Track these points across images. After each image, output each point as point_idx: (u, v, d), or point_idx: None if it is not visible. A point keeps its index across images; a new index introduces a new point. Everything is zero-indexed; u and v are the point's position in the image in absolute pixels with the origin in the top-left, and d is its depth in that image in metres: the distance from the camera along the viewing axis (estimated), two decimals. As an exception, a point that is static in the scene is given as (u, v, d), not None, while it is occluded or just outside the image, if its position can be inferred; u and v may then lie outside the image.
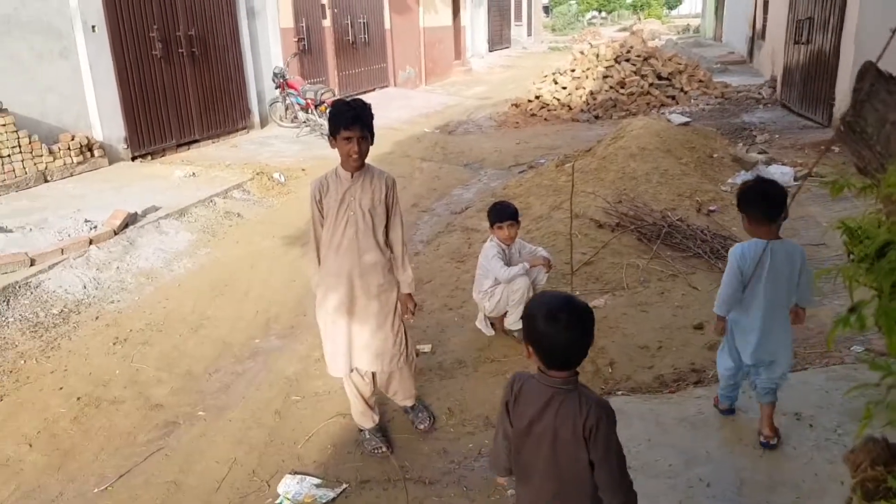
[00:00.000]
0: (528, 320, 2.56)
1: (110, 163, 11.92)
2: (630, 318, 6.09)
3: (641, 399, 4.84)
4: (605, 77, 19.01)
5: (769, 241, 3.82)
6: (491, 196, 10.63)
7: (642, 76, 18.94)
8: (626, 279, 6.94)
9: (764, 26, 22.20)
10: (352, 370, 4.55)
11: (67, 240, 7.98)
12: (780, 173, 10.02)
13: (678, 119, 13.78)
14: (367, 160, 4.31)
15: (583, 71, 19.59)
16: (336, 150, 4.20)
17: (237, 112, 15.71)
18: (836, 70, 12.78)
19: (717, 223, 8.31)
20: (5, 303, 6.77)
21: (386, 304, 4.47)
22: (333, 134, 4.14)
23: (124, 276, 7.79)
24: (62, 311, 6.93)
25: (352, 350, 4.48)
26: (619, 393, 5.03)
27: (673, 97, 18.42)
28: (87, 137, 11.41)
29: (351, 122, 4.04)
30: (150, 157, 12.89)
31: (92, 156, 11.50)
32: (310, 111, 15.20)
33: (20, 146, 10.19)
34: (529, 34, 50.03)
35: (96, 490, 4.58)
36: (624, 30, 53.73)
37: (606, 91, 18.52)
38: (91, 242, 8.04)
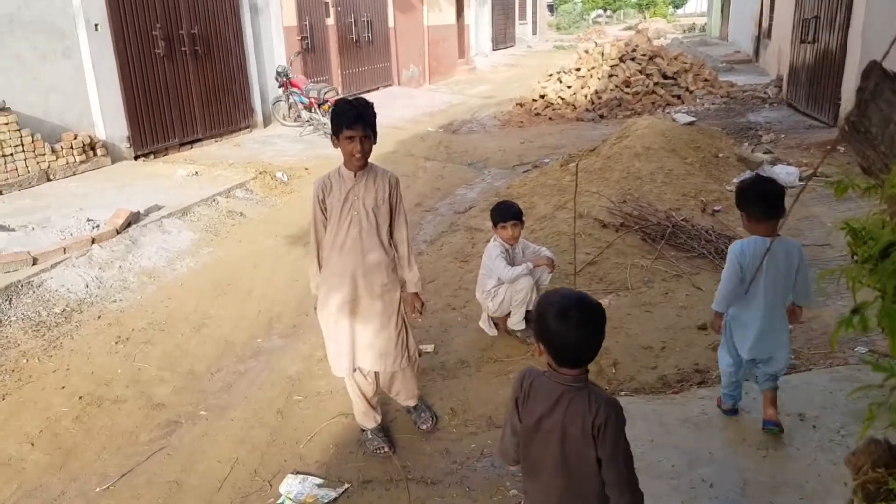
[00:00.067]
0: (540, 318, 2.55)
1: (113, 162, 11.92)
2: (634, 319, 6.07)
3: (645, 399, 4.82)
4: (610, 76, 18.98)
5: (771, 238, 3.85)
6: (495, 196, 10.61)
7: (647, 75, 18.90)
8: (630, 279, 6.92)
9: (770, 25, 22.14)
10: (355, 370, 4.54)
11: (70, 239, 7.98)
12: (785, 173, 9.99)
13: (683, 118, 13.75)
14: (371, 159, 4.29)
15: (588, 70, 19.56)
16: (339, 149, 4.19)
17: (240, 111, 15.71)
18: (842, 69, 12.73)
19: (722, 223, 8.28)
20: (7, 302, 6.77)
21: (390, 303, 4.45)
22: (336, 133, 4.13)
23: (127, 275, 7.78)
24: (64, 310, 6.93)
25: (355, 350, 4.47)
26: (623, 393, 5.02)
27: (678, 96, 18.39)
28: (89, 136, 11.42)
29: (353, 121, 4.02)
30: (152, 156, 12.89)
31: (95, 155, 11.50)
32: (313, 110, 15.19)
33: (23, 145, 10.19)
34: (534, 33, 50.06)
35: (98, 489, 4.58)
36: (629, 28, 53.66)
37: (611, 90, 18.50)
38: (93, 241, 8.04)
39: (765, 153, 11.39)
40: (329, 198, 4.26)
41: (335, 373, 4.60)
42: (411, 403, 4.94)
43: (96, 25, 11.53)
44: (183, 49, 13.68)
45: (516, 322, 5.96)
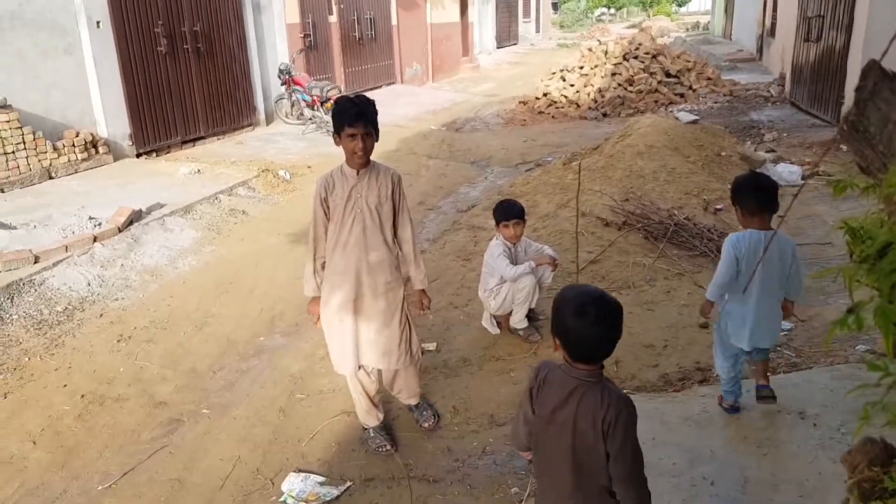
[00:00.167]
0: (557, 313, 2.56)
1: (115, 160, 11.92)
2: (636, 317, 6.06)
3: (646, 398, 4.81)
4: (613, 74, 18.96)
5: (769, 231, 4.00)
6: (497, 194, 10.60)
7: (651, 74, 18.88)
8: (633, 278, 6.91)
9: (773, 24, 22.12)
10: (359, 368, 4.54)
11: (72, 237, 7.97)
12: (787, 172, 9.98)
13: (686, 117, 13.74)
14: (374, 157, 4.29)
15: (591, 68, 19.54)
16: (341, 147, 4.18)
17: (243, 109, 15.69)
18: (845, 68, 12.72)
19: (724, 222, 8.28)
20: (9, 300, 6.77)
21: (393, 301, 4.45)
22: (338, 131, 4.12)
23: (129, 273, 7.79)
24: (66, 308, 6.93)
25: (359, 347, 4.47)
26: (625, 391, 5.01)
27: (681, 95, 18.37)
28: (91, 134, 11.42)
29: (355, 118, 4.02)
30: (154, 154, 12.88)
31: (97, 152, 11.50)
32: (316, 108, 15.18)
33: (24, 143, 10.19)
34: (538, 31, 50.01)
35: (100, 487, 4.58)
36: (633, 27, 53.52)
37: (615, 88, 18.48)
38: (95, 240, 8.04)
39: (767, 152, 11.39)
40: (332, 196, 4.26)
41: (338, 371, 4.60)
42: (413, 402, 4.94)
43: (98, 22, 11.52)
44: (185, 46, 13.67)
45: (518, 320, 5.95)
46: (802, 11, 15.95)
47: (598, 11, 73.98)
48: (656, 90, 18.38)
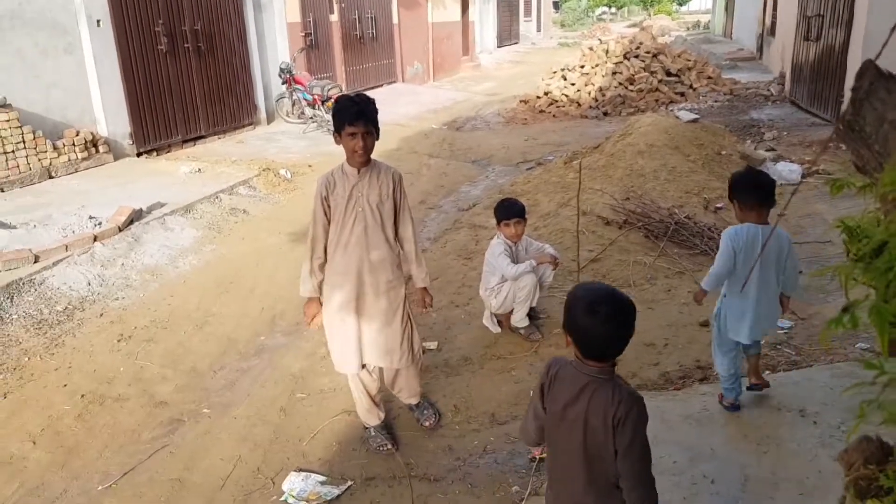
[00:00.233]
0: (569, 310, 2.56)
1: (115, 159, 11.92)
2: (636, 316, 6.04)
3: (647, 396, 4.74)
4: (614, 73, 18.93)
5: (766, 225, 4.10)
6: (498, 193, 10.59)
7: (651, 72, 18.86)
8: (633, 276, 6.90)
9: (774, 23, 22.09)
10: (363, 367, 4.54)
11: (72, 236, 7.96)
12: (787, 170, 9.98)
13: (687, 116, 13.73)
14: (375, 156, 4.28)
15: (592, 67, 19.52)
16: (341, 146, 4.18)
17: (243, 108, 15.69)
18: (845, 67, 12.70)
19: (725, 220, 8.27)
20: (9, 300, 6.76)
21: (394, 300, 4.45)
22: (338, 130, 4.12)
23: (129, 272, 7.78)
24: (66, 308, 6.92)
25: (362, 347, 4.46)
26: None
27: (682, 94, 18.35)
28: (91, 133, 11.41)
29: (355, 117, 4.01)
30: (155, 153, 12.88)
31: (97, 152, 11.49)
32: (316, 107, 15.17)
33: (24, 142, 10.18)
34: (538, 30, 50.00)
35: (100, 487, 4.58)
36: (633, 26, 53.55)
37: (615, 87, 18.45)
38: (95, 239, 8.03)
39: (767, 150, 11.39)
40: (333, 195, 4.25)
41: (340, 370, 4.60)
42: (413, 401, 4.94)
43: (98, 21, 11.52)
44: (186, 45, 13.66)
45: (519, 319, 5.95)
46: (802, 10, 15.93)
47: (598, 10, 74.02)
48: (657, 89, 18.36)
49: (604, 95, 18.27)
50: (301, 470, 4.54)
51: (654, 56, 19.50)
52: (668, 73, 19.02)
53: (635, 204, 8.57)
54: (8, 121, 9.88)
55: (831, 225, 7.55)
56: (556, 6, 66.66)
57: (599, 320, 2.45)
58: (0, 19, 10.17)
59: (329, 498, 4.25)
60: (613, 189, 9.18)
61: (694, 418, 4.36)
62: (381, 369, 4.71)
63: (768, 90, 18.13)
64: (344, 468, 4.56)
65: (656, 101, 17.88)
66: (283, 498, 4.31)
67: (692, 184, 9.43)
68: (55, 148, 10.71)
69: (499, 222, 5.90)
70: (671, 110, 16.15)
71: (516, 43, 42.15)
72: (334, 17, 19.89)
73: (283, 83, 15.88)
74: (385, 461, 4.59)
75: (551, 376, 2.66)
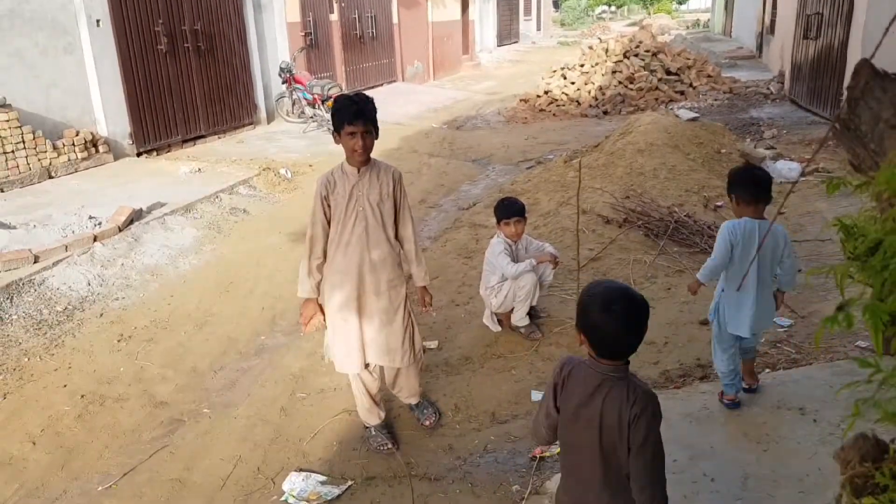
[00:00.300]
0: (583, 308, 2.56)
1: (115, 158, 11.91)
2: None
3: (648, 395, 4.80)
4: (613, 72, 18.94)
5: (763, 220, 4.19)
6: (499, 192, 10.60)
7: (651, 71, 18.86)
8: (633, 275, 6.90)
9: (773, 21, 22.09)
10: (367, 366, 4.54)
11: (72, 236, 7.95)
12: (787, 168, 9.98)
13: (686, 114, 13.74)
14: (375, 156, 4.28)
15: (592, 66, 19.52)
16: (341, 145, 4.17)
17: (243, 107, 15.69)
18: (844, 65, 12.70)
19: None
20: (9, 300, 6.75)
21: (395, 299, 4.45)
22: (337, 129, 4.12)
23: (129, 272, 7.77)
24: (66, 308, 6.92)
25: (364, 346, 4.46)
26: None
27: (681, 92, 18.34)
28: (91, 133, 11.41)
29: (354, 116, 4.01)
30: (155, 153, 12.87)
31: (97, 151, 11.49)
32: (317, 106, 15.16)
33: (24, 142, 10.17)
34: (538, 29, 49.97)
35: (100, 488, 4.58)
36: (633, 24, 53.50)
37: (615, 86, 18.45)
38: (95, 239, 8.02)
39: (767, 149, 11.39)
40: (333, 194, 4.25)
41: (342, 370, 4.59)
42: (413, 401, 4.94)
43: (98, 21, 11.51)
44: (186, 45, 13.65)
45: (519, 318, 5.95)
46: (801, 9, 15.94)
47: (598, 9, 74.02)
48: (657, 88, 18.35)
49: (604, 94, 18.28)
50: (301, 470, 4.54)
51: (654, 55, 19.51)
52: (668, 72, 19.02)
53: (635, 202, 8.57)
54: (8, 121, 9.87)
55: (827, 223, 7.55)
56: (556, 5, 66.64)
57: (613, 318, 2.45)
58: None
59: (329, 498, 4.25)
60: (613, 188, 9.18)
61: (694, 417, 4.36)
62: (381, 368, 4.71)
63: (768, 88, 18.13)
64: (344, 468, 4.55)
65: (656, 99, 17.87)
66: (283, 498, 4.31)
67: (692, 182, 9.42)
68: (55, 148, 10.70)
69: (499, 221, 5.89)
70: (671, 109, 16.16)
71: (516, 42, 42.12)
72: (334, 17, 19.89)
73: (283, 83, 15.87)
74: (385, 461, 4.59)
75: (564, 376, 2.65)
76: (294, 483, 4.39)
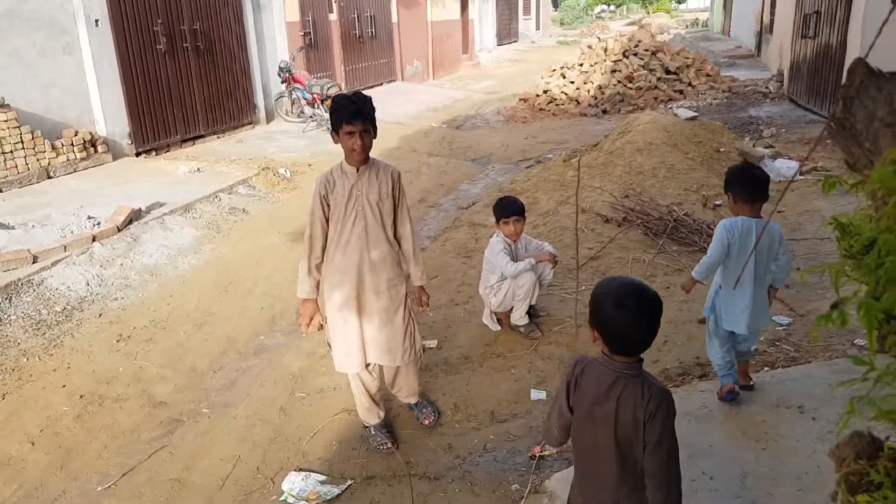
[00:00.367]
0: (596, 304, 2.57)
1: (114, 158, 11.89)
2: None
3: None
4: (613, 71, 18.95)
5: (759, 219, 4.24)
6: (498, 191, 10.60)
7: (650, 70, 18.87)
8: (632, 274, 6.89)
9: (772, 20, 22.11)
10: (367, 365, 4.54)
11: (70, 237, 7.95)
12: (786, 167, 9.98)
13: (685, 113, 13.73)
14: (375, 155, 4.28)
15: (591, 65, 19.54)
16: (339, 145, 4.17)
17: (242, 107, 15.67)
18: (842, 64, 12.70)
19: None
20: (7, 300, 6.75)
21: (396, 298, 4.44)
22: (336, 129, 4.11)
23: (128, 272, 7.76)
24: (65, 308, 6.91)
25: (365, 345, 4.46)
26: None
27: (681, 91, 18.34)
28: (90, 133, 11.40)
29: (352, 116, 4.01)
30: (154, 153, 12.85)
31: (95, 151, 11.48)
32: (316, 106, 15.15)
33: (23, 142, 10.16)
34: (538, 28, 49.96)
35: (99, 488, 4.58)
36: (632, 24, 53.52)
37: (614, 85, 18.47)
38: (94, 239, 8.01)
39: (766, 147, 11.40)
40: (332, 194, 4.24)
41: (341, 369, 4.58)
42: (412, 400, 4.94)
43: (96, 21, 11.49)
44: (185, 45, 13.63)
45: (519, 317, 5.95)
46: (800, 8, 15.95)
47: (597, 8, 73.98)
48: (656, 87, 18.36)
49: (603, 93, 18.29)
50: (301, 469, 4.54)
51: (653, 54, 19.52)
52: (667, 71, 19.03)
53: (634, 201, 8.57)
54: (6, 121, 9.86)
55: (825, 222, 7.56)
56: (556, 4, 66.61)
57: (627, 313, 2.46)
58: (-2, 19, 10.17)
59: (329, 497, 4.25)
60: (612, 187, 9.19)
61: (693, 415, 4.36)
62: (380, 368, 4.70)
63: (766, 87, 18.13)
64: (344, 467, 4.55)
65: (655, 98, 17.88)
66: (282, 497, 4.30)
67: (691, 181, 9.43)
68: (54, 148, 10.69)
69: (498, 220, 5.89)
70: (670, 108, 16.16)
71: (515, 41, 42.11)
72: (333, 16, 19.88)
73: (282, 82, 15.86)
74: (385, 460, 4.59)
75: (577, 374, 2.66)
76: (293, 482, 4.39)
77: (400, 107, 18.94)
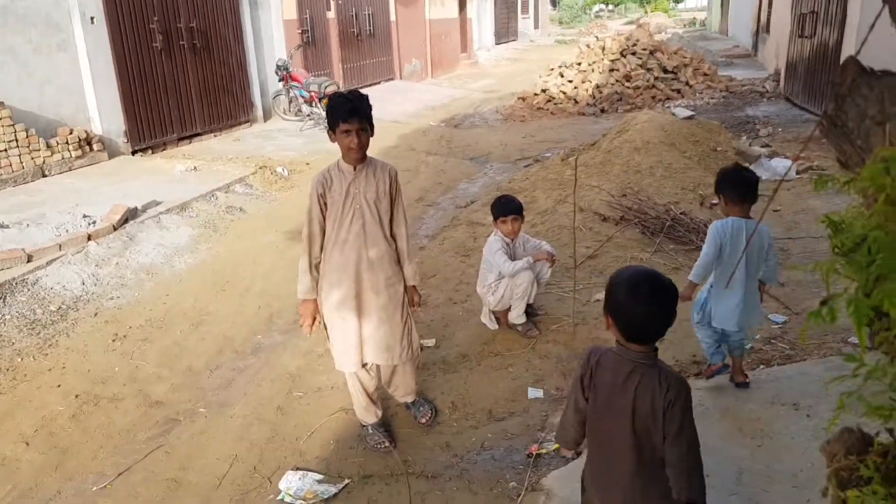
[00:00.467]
0: (611, 292, 2.58)
1: (110, 157, 11.87)
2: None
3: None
4: (611, 70, 18.98)
5: (750, 219, 4.34)
6: (496, 190, 10.59)
7: (648, 70, 18.91)
8: (631, 273, 6.88)
9: (768, 20, 22.18)
10: (364, 365, 4.52)
11: (65, 235, 7.92)
12: (782, 166, 9.99)
13: (683, 113, 13.73)
14: (373, 154, 4.26)
15: (589, 64, 19.57)
16: (336, 143, 4.15)
17: (240, 105, 15.66)
18: (838, 64, 12.69)
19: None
20: (2, 300, 6.71)
21: (394, 296, 4.43)
22: (332, 127, 4.09)
23: (124, 272, 7.74)
24: (60, 307, 6.88)
25: (363, 344, 4.44)
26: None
27: (678, 91, 18.39)
28: (85, 131, 11.36)
29: (349, 114, 3.99)
30: (150, 151, 12.83)
31: (91, 150, 11.44)
32: (314, 104, 15.14)
33: (17, 140, 10.12)
34: (536, 27, 50.03)
35: (95, 488, 4.55)
36: (630, 23, 53.59)
37: (612, 84, 18.49)
38: (90, 238, 7.99)
39: (762, 147, 11.42)
40: (330, 193, 4.23)
41: (340, 368, 4.57)
42: (409, 399, 4.92)
43: (92, 18, 11.47)
44: (181, 43, 13.61)
45: (517, 316, 5.94)
46: (796, 8, 15.99)
47: (596, 8, 74.15)
48: (653, 86, 18.40)
49: (601, 92, 18.31)
50: (298, 468, 4.52)
51: (651, 53, 19.56)
52: (665, 71, 19.07)
53: (632, 200, 8.57)
54: (0, 119, 9.83)
55: (818, 220, 7.58)
56: (554, 3, 66.65)
57: (640, 300, 2.48)
58: (-7, 17, 10.13)
59: (326, 496, 4.23)
60: (610, 186, 9.18)
61: (689, 413, 4.37)
62: (378, 367, 4.69)
63: (763, 87, 18.18)
64: (341, 466, 4.54)
65: (653, 97, 17.92)
66: (279, 497, 4.29)
67: (688, 180, 9.43)
68: (48, 146, 10.66)
69: (496, 219, 5.88)
70: (667, 107, 16.18)
71: (514, 40, 42.17)
72: (331, 14, 19.87)
73: (279, 80, 15.84)
74: (382, 459, 4.57)
75: (592, 365, 2.66)
76: (290, 482, 4.37)
77: (398, 105, 18.94)
